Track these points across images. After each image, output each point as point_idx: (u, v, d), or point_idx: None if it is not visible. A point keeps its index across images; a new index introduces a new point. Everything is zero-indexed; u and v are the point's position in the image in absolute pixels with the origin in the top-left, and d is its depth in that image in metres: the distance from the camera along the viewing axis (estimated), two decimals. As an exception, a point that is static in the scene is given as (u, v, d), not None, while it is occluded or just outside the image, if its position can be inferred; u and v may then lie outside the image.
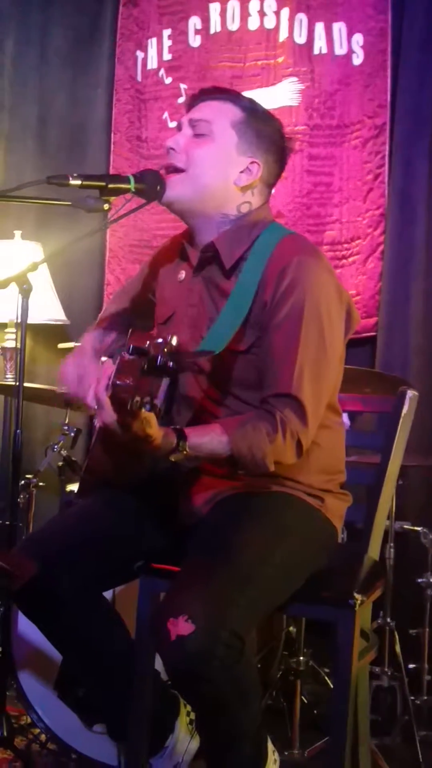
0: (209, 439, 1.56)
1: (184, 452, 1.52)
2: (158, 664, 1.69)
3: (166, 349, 1.30)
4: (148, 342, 1.32)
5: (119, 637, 1.73)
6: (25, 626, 2.13)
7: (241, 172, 1.68)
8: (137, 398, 1.31)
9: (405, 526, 2.60)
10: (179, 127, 1.72)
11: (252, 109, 1.71)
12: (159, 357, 1.30)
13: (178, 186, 1.67)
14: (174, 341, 1.32)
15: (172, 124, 3.28)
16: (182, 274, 1.77)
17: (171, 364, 1.31)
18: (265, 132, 1.70)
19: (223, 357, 1.62)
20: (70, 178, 1.65)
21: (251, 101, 1.74)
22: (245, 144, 1.68)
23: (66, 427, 2.73)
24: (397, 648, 2.48)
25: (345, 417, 1.81)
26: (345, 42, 3.04)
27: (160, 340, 1.31)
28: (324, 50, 3.07)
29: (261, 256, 1.64)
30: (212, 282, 1.70)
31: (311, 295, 1.60)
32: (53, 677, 2.09)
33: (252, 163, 1.69)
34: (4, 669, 2.14)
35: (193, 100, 1.74)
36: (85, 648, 1.71)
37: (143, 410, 1.32)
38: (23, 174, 3.30)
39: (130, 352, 1.31)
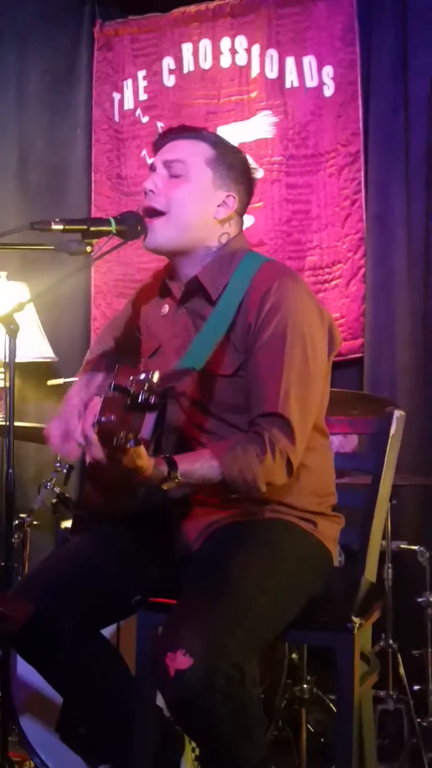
0: (200, 465, 1.57)
1: (176, 480, 1.54)
2: (160, 700, 1.68)
3: (147, 386, 1.34)
4: (131, 378, 1.34)
5: (119, 674, 1.72)
6: (24, 669, 2.11)
7: (219, 206, 1.73)
8: (122, 433, 1.33)
9: (401, 546, 2.60)
10: (153, 168, 1.75)
11: (221, 144, 1.76)
12: (141, 393, 1.33)
13: (161, 229, 1.70)
14: (155, 377, 1.35)
15: (151, 161, 3.33)
16: (165, 308, 1.80)
17: (153, 399, 1.34)
18: (235, 165, 1.75)
19: (210, 382, 1.64)
20: (53, 224, 1.68)
21: (217, 136, 1.79)
22: (219, 179, 1.73)
23: (58, 464, 2.73)
24: (401, 670, 2.47)
25: (354, 438, 1.83)
26: (316, 74, 3.11)
27: (142, 377, 1.34)
28: (296, 83, 3.15)
29: (241, 281, 1.68)
30: (196, 313, 1.73)
31: (294, 316, 1.64)
32: (55, 720, 2.06)
33: (228, 196, 1.73)
34: (5, 714, 2.11)
35: (162, 140, 1.77)
36: (86, 688, 1.70)
37: (128, 445, 1.34)
38: (5, 216, 3.33)
39: (112, 389, 1.35)
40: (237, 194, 1.74)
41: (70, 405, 1.73)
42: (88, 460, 1.48)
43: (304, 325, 1.64)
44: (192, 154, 1.72)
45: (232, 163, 1.74)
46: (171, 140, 1.75)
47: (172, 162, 1.72)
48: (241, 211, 1.78)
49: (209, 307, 1.70)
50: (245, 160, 1.78)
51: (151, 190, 1.71)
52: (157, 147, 1.78)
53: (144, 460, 1.46)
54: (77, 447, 1.51)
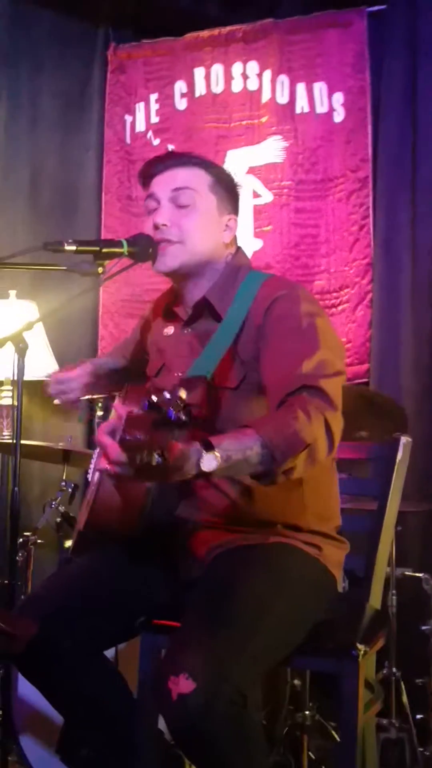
0: (233, 435, 1.46)
1: (216, 456, 1.40)
2: (162, 723, 1.67)
3: (177, 402, 1.30)
4: (155, 397, 1.30)
5: (121, 696, 1.70)
6: (25, 688, 2.10)
7: (224, 230, 1.77)
8: (146, 451, 1.28)
9: (406, 573, 2.58)
10: (156, 200, 1.75)
11: (213, 167, 1.79)
12: (171, 410, 1.29)
13: (175, 254, 1.72)
14: (183, 393, 1.31)
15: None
16: (170, 329, 1.82)
17: (184, 417, 1.30)
18: (230, 187, 1.79)
19: (214, 395, 1.65)
20: (65, 244, 1.69)
21: (206, 159, 1.82)
22: (221, 204, 1.77)
23: (64, 483, 2.73)
24: (404, 698, 2.45)
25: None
26: (326, 101, 3.15)
27: (168, 395, 1.31)
28: (306, 109, 3.18)
29: (247, 296, 1.71)
30: (203, 332, 1.75)
31: (308, 312, 1.65)
32: (55, 740, 2.05)
33: (230, 219, 1.78)
34: (6, 733, 2.10)
35: (153, 168, 1.77)
36: (87, 709, 1.68)
37: (155, 461, 1.28)
38: (16, 236, 3.36)
39: (145, 407, 1.30)
40: (235, 214, 1.79)
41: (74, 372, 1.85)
42: (112, 471, 1.43)
43: (319, 318, 1.66)
44: (196, 182, 1.75)
45: (228, 185, 1.79)
46: (167, 169, 1.76)
47: (179, 191, 1.73)
48: (236, 231, 1.81)
49: (216, 325, 1.72)
50: (234, 179, 1.81)
51: (163, 224, 1.72)
52: (148, 175, 1.78)
53: (174, 471, 1.38)
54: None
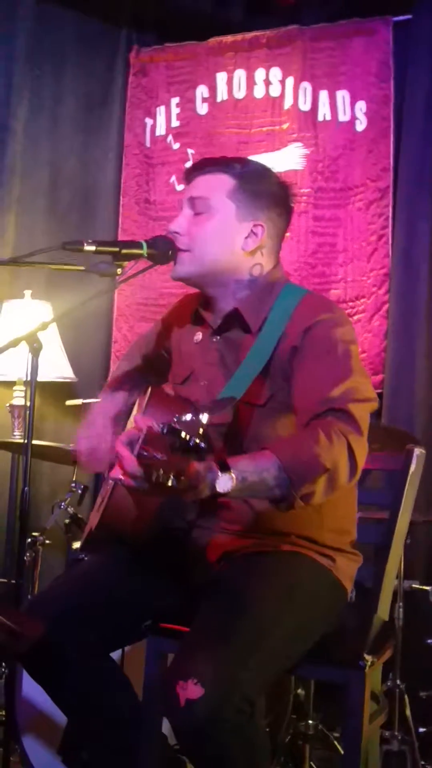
0: (250, 457, 1.45)
1: (232, 477, 1.39)
2: (165, 727, 1.66)
3: (198, 430, 1.29)
4: (176, 418, 1.29)
5: (126, 699, 1.70)
6: (29, 689, 2.10)
7: (246, 237, 1.71)
8: (161, 471, 1.28)
9: (413, 586, 2.57)
10: (181, 207, 1.76)
11: (244, 173, 1.73)
12: (191, 438, 1.28)
13: (186, 264, 1.72)
14: (205, 419, 1.30)
15: (180, 188, 3.37)
16: (199, 335, 1.79)
17: (203, 445, 1.29)
18: (262, 191, 1.73)
19: (240, 411, 1.64)
20: (85, 244, 1.68)
21: (243, 163, 1.76)
22: (244, 210, 1.71)
23: (74, 484, 2.73)
24: (408, 711, 2.43)
25: None
26: (348, 109, 3.14)
27: (189, 418, 1.29)
28: (328, 117, 3.17)
29: (283, 312, 1.68)
30: (232, 342, 1.73)
31: (344, 339, 1.64)
32: (58, 741, 2.05)
33: (255, 225, 1.71)
34: (8, 733, 2.10)
35: (189, 176, 1.77)
36: (92, 711, 1.68)
37: (170, 483, 1.29)
38: (34, 236, 3.37)
39: (165, 431, 1.29)
40: (267, 220, 1.72)
41: (96, 424, 1.72)
42: (126, 483, 1.41)
43: (351, 343, 1.64)
44: (213, 189, 1.72)
45: (257, 191, 1.71)
46: (196, 176, 1.75)
47: (195, 199, 1.73)
48: (277, 236, 1.75)
49: (246, 336, 1.70)
50: (276, 182, 1.75)
51: (176, 232, 1.72)
52: (187, 181, 1.78)
53: (189, 491, 1.37)
54: (106, 464, 1.46)
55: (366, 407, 1.58)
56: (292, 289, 1.74)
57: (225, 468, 1.39)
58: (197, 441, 1.28)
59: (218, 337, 1.75)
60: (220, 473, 1.39)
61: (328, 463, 1.46)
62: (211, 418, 1.31)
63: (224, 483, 1.39)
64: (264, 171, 1.76)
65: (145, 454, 1.29)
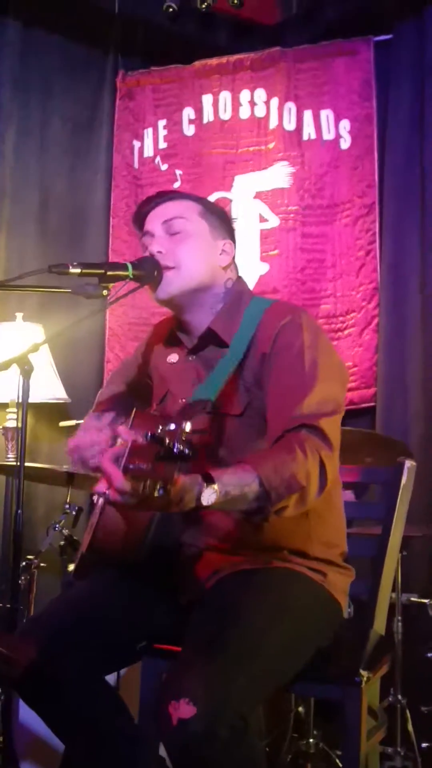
0: (233, 470, 1.48)
1: (215, 490, 1.42)
2: (163, 750, 1.64)
3: (180, 436, 1.30)
4: (160, 427, 1.31)
5: (122, 722, 1.68)
6: (27, 714, 2.08)
7: (220, 254, 1.79)
8: (149, 482, 1.30)
9: (412, 599, 2.56)
10: (151, 235, 1.78)
11: (202, 200, 1.84)
12: (175, 444, 1.29)
13: (172, 281, 1.74)
14: (188, 427, 1.31)
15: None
16: (174, 357, 1.83)
17: (187, 451, 1.30)
18: (221, 215, 1.83)
19: (218, 422, 1.65)
20: (70, 267, 1.70)
21: (194, 194, 1.86)
22: (215, 229, 1.79)
23: (68, 506, 2.72)
24: (410, 726, 2.41)
25: (350, 493, 1.81)
26: (333, 128, 3.18)
27: (172, 426, 1.30)
28: (313, 136, 3.21)
29: (251, 323, 1.72)
30: (208, 360, 1.75)
31: (312, 343, 1.66)
32: (56, 767, 2.03)
33: (225, 243, 1.80)
34: (6, 759, 2.08)
35: (144, 208, 1.81)
36: (88, 735, 1.66)
37: (157, 493, 1.30)
38: (25, 258, 3.39)
39: (148, 439, 1.30)
40: (231, 240, 1.82)
41: (90, 427, 1.76)
42: (113, 498, 1.43)
43: (322, 349, 1.67)
44: (184, 209, 1.78)
45: (219, 214, 1.82)
46: (156, 206, 1.80)
47: (170, 221, 1.76)
48: (234, 256, 1.84)
49: (221, 351, 1.73)
50: (225, 211, 1.86)
51: (159, 252, 1.75)
52: (141, 217, 1.81)
53: (174, 503, 1.40)
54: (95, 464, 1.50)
55: (336, 420, 1.62)
56: (259, 300, 1.79)
57: (210, 481, 1.41)
58: (181, 447, 1.30)
59: (194, 356, 1.78)
60: (205, 486, 1.41)
61: (303, 481, 1.51)
62: (194, 426, 1.33)
63: (208, 496, 1.42)
64: (211, 201, 1.88)
65: (131, 466, 1.30)
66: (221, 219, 1.81)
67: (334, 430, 1.60)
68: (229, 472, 1.48)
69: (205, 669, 1.42)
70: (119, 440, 1.65)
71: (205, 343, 1.77)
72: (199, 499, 1.41)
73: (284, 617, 1.57)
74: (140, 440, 1.32)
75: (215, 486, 1.41)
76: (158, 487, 1.30)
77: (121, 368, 2.01)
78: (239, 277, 1.83)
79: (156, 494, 1.30)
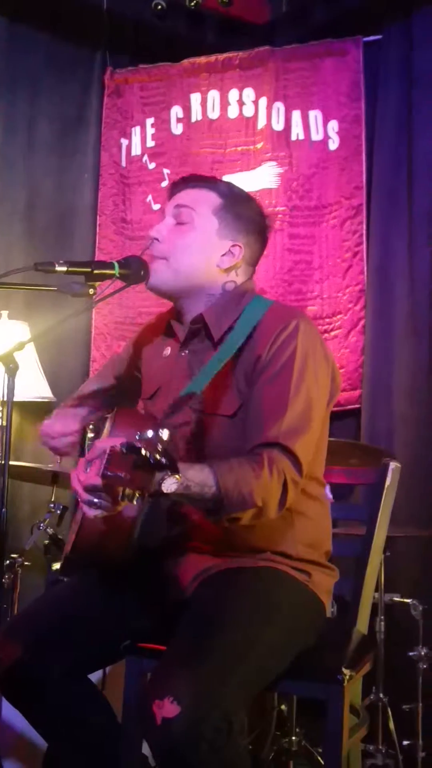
0: (199, 468, 1.51)
1: (177, 478, 1.41)
2: (146, 748, 1.65)
3: (157, 446, 1.31)
4: (138, 435, 1.32)
5: (105, 721, 1.69)
6: (9, 713, 2.08)
7: (223, 255, 1.74)
8: (128, 491, 1.32)
9: (395, 599, 2.58)
10: (163, 214, 1.78)
11: (230, 194, 1.77)
12: (151, 455, 1.31)
13: (160, 272, 1.73)
14: (165, 435, 1.32)
15: (156, 206, 3.39)
16: (168, 350, 1.81)
17: (164, 460, 1.31)
18: (245, 214, 1.76)
19: (210, 422, 1.65)
20: (57, 265, 1.69)
21: (229, 186, 1.80)
22: (225, 229, 1.74)
23: (52, 505, 2.72)
24: (391, 725, 2.43)
25: (327, 489, 1.82)
26: (321, 128, 3.19)
27: (150, 435, 1.31)
28: (301, 136, 3.21)
29: (249, 322, 1.70)
30: (198, 355, 1.74)
31: (303, 356, 1.65)
32: (38, 765, 2.03)
33: (234, 246, 1.75)
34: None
35: (175, 188, 1.80)
36: (71, 734, 1.67)
37: (135, 502, 1.33)
38: (11, 257, 3.37)
39: (125, 449, 1.31)
40: (246, 244, 1.75)
41: (62, 413, 1.81)
42: (89, 514, 1.47)
43: (310, 366, 1.65)
44: (199, 202, 1.74)
45: (240, 213, 1.75)
46: (183, 188, 1.77)
47: (180, 209, 1.75)
48: (252, 261, 1.79)
49: (212, 351, 1.71)
50: (258, 210, 1.79)
51: (156, 238, 1.74)
52: (170, 194, 1.80)
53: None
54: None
55: (311, 439, 1.63)
56: (260, 300, 1.76)
57: (174, 470, 1.41)
58: (157, 457, 1.31)
59: (186, 351, 1.76)
60: (169, 474, 1.41)
61: (259, 501, 1.54)
62: (172, 433, 1.35)
63: (169, 484, 1.42)
64: (249, 197, 1.81)
65: (109, 474, 1.31)
66: (241, 220, 1.75)
67: (306, 453, 1.61)
68: (195, 468, 1.51)
69: (190, 669, 1.42)
70: (89, 434, 1.67)
71: (194, 334, 1.75)
72: (160, 484, 1.41)
73: (269, 618, 1.58)
74: (117, 448, 1.32)
75: (178, 476, 1.42)
76: (137, 495, 1.32)
77: (113, 361, 1.99)
78: (248, 281, 1.78)
79: (134, 502, 1.33)
